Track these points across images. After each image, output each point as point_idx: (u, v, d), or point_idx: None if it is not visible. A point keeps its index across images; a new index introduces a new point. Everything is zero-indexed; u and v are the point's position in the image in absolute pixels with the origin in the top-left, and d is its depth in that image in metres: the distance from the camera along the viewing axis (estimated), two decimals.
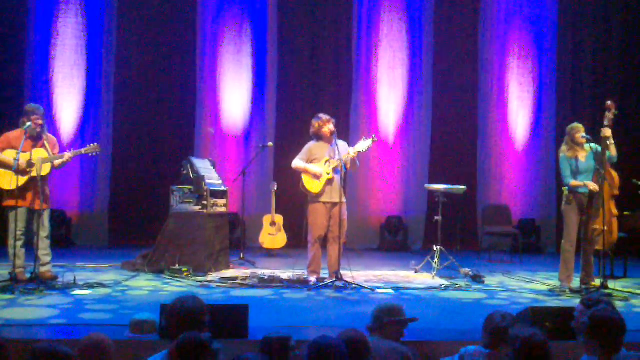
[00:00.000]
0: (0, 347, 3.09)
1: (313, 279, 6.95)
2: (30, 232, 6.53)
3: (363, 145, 7.05)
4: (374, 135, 7.24)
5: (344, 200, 6.94)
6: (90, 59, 10.77)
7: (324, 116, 7.13)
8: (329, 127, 7.03)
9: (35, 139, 6.45)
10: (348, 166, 7.03)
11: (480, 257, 9.86)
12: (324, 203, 6.96)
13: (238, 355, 2.91)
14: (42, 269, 6.54)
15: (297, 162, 7.12)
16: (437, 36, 11.29)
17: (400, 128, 11.29)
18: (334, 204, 6.94)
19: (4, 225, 6.53)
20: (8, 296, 5.79)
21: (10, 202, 6.35)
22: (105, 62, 10.78)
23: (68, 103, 10.67)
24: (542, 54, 11.39)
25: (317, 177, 6.95)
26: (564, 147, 6.95)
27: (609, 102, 6.72)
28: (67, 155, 6.55)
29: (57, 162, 6.53)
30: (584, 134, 6.79)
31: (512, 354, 3.11)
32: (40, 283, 6.17)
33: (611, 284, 6.72)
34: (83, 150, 6.71)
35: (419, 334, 4.51)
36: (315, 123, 7.12)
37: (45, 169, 6.43)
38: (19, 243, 6.42)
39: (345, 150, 7.01)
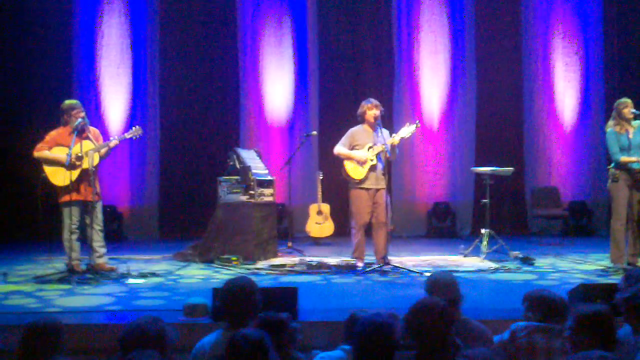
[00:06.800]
0: (56, 330, 3.22)
1: (360, 264, 6.97)
2: (84, 225, 6.73)
3: (407, 130, 7.01)
4: (417, 122, 7.16)
5: (383, 185, 6.94)
6: (135, 57, 11.00)
7: (373, 101, 7.10)
8: (374, 112, 6.98)
9: (80, 133, 6.57)
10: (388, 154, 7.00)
11: (530, 241, 9.73)
12: (367, 189, 6.96)
13: (238, 331, 2.94)
14: (99, 261, 6.73)
15: (339, 149, 7.11)
16: (479, 18, 11.13)
17: (445, 113, 11.19)
18: (377, 190, 6.94)
19: (58, 220, 6.73)
20: (65, 286, 5.99)
21: (65, 198, 6.52)
22: (150, 60, 11.00)
23: (115, 101, 10.93)
24: (588, 32, 11.11)
25: (360, 163, 6.94)
26: (611, 122, 6.79)
27: None
28: (113, 142, 6.71)
29: (103, 150, 6.67)
30: (633, 109, 6.63)
31: (573, 329, 3.08)
32: (96, 274, 6.36)
33: None
34: (127, 135, 6.87)
35: (467, 313, 4.47)
36: (363, 104, 7.09)
37: (95, 160, 6.58)
38: (74, 236, 6.58)
39: (388, 138, 6.97)
